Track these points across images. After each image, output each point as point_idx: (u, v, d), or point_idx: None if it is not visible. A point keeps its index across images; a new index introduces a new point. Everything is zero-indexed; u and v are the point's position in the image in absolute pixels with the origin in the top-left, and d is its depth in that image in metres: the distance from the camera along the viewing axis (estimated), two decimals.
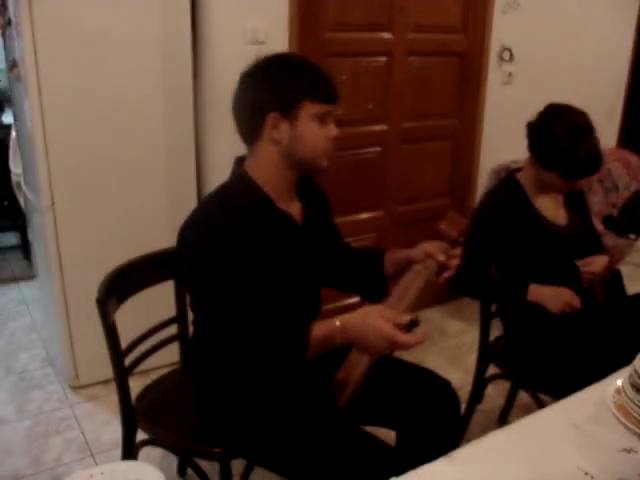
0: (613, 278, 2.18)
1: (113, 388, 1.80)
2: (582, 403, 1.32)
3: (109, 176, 2.49)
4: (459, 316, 3.48)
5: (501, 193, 2.06)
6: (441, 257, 1.52)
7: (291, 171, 1.51)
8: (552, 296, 1.90)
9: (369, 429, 1.51)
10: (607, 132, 3.88)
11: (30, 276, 3.68)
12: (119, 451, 1.78)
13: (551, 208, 2.06)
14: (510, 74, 3.41)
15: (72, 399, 2.63)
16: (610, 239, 3.07)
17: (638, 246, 2.81)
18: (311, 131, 1.45)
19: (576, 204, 2.15)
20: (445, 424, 1.59)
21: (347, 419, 1.49)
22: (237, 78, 1.52)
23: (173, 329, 1.93)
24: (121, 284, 1.71)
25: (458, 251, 1.58)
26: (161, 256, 1.84)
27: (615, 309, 2.11)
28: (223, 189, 1.53)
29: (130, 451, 1.75)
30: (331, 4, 2.79)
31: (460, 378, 2.73)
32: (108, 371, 1.72)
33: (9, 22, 2.41)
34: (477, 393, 2.26)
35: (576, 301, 1.89)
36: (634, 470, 1.11)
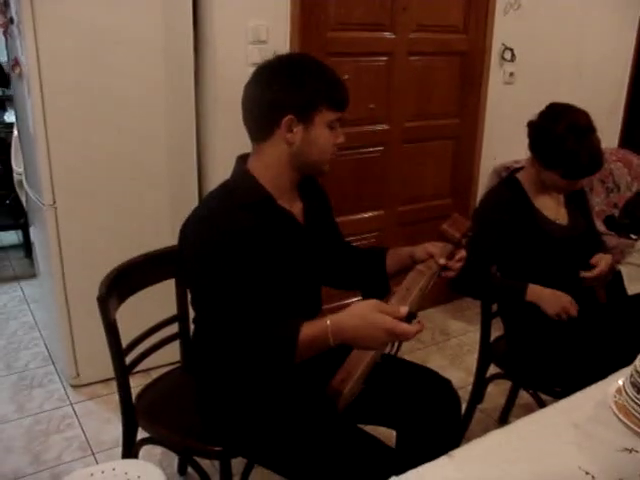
0: (613, 278, 2.19)
1: (114, 387, 1.80)
2: (583, 403, 1.32)
3: (110, 175, 2.49)
4: (460, 316, 3.48)
5: (502, 193, 2.06)
6: (442, 261, 1.52)
7: (296, 172, 1.52)
8: (550, 298, 1.90)
9: (369, 429, 1.51)
10: (608, 132, 3.87)
11: (31, 275, 3.68)
12: (120, 450, 1.78)
13: (552, 207, 2.06)
14: (512, 74, 3.41)
15: (73, 398, 2.63)
16: (611, 239, 3.06)
17: (638, 246, 2.81)
18: (323, 136, 1.47)
19: (577, 203, 2.15)
20: (445, 423, 1.60)
21: (347, 419, 1.48)
22: (240, 77, 1.52)
23: (174, 328, 1.93)
24: (122, 282, 1.71)
25: (462, 253, 1.58)
26: (162, 255, 1.84)
27: (615, 309, 2.11)
28: (225, 187, 1.53)
29: (131, 449, 1.75)
30: (333, 3, 2.79)
31: (461, 378, 2.73)
32: (109, 370, 1.72)
33: (11, 20, 2.41)
34: (478, 393, 2.26)
35: (573, 309, 1.88)
36: (635, 470, 1.11)
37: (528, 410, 1.34)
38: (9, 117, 4.14)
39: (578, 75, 3.70)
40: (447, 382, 1.66)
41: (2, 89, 4.55)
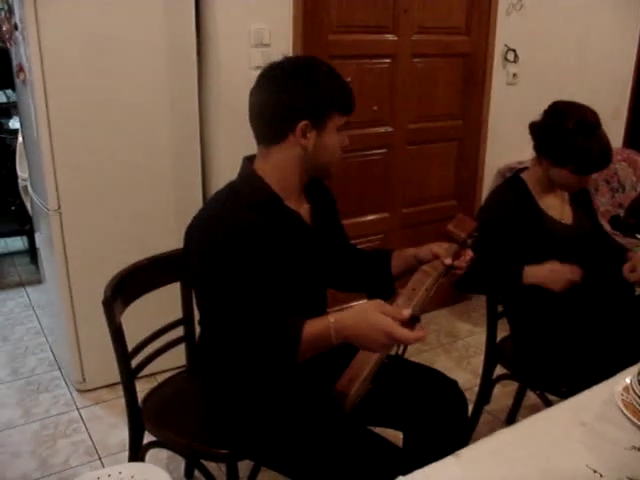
0: (620, 278, 2.17)
1: (120, 391, 1.80)
2: (590, 401, 1.32)
3: (115, 179, 2.50)
4: (467, 318, 3.47)
5: (506, 193, 2.05)
6: (448, 260, 1.52)
7: (304, 174, 1.53)
8: (551, 276, 1.88)
9: (376, 430, 1.50)
10: (613, 132, 3.85)
11: (37, 281, 3.69)
12: (126, 454, 1.79)
13: (557, 207, 2.06)
14: (515, 75, 3.41)
15: (79, 402, 2.63)
16: (617, 239, 3.05)
17: None
18: (333, 141, 1.49)
19: (582, 203, 2.14)
20: (452, 424, 1.59)
21: (354, 420, 1.48)
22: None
23: (179, 331, 1.93)
24: (127, 286, 1.71)
25: (469, 253, 1.57)
26: (167, 258, 1.84)
27: (623, 308, 2.10)
28: (231, 187, 1.53)
29: (137, 453, 1.75)
30: (335, 6, 2.79)
31: (468, 380, 2.72)
32: (115, 374, 1.73)
33: (15, 27, 2.42)
34: (484, 394, 2.26)
35: (575, 274, 1.86)
36: None
37: (535, 411, 1.33)
38: (14, 124, 4.15)
39: (582, 75, 3.70)
40: (453, 383, 1.66)
41: (6, 96, 4.57)
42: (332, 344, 1.33)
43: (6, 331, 3.26)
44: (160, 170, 2.59)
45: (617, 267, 2.05)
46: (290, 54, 2.46)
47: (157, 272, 1.83)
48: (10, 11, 2.46)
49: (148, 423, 1.73)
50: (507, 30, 3.30)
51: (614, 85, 3.99)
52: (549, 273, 1.88)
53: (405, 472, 1.09)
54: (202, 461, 1.77)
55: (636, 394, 1.24)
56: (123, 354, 1.66)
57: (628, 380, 1.31)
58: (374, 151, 3.14)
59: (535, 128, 1.99)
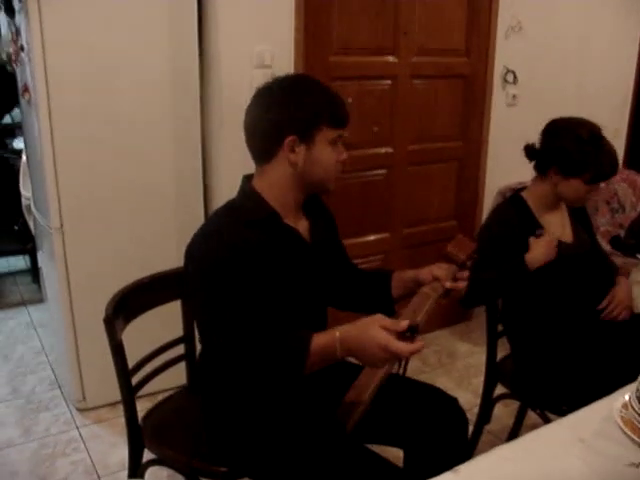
0: None
1: (120, 411, 1.80)
2: (589, 418, 1.32)
3: (117, 198, 2.52)
4: (467, 338, 3.47)
5: (507, 211, 2.07)
6: (448, 284, 1.53)
7: (301, 191, 1.54)
8: (547, 251, 1.95)
9: (377, 449, 1.50)
10: (619, 161, 3.89)
11: (39, 300, 3.70)
12: (126, 473, 1.78)
13: (558, 225, 2.07)
14: (514, 96, 3.44)
15: (79, 421, 2.62)
16: (617, 259, 3.06)
17: None
18: (326, 154, 1.49)
19: (581, 221, 2.16)
20: (452, 442, 1.59)
21: (355, 439, 1.48)
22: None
23: (180, 349, 1.93)
24: (128, 303, 1.72)
25: (466, 274, 1.58)
26: (168, 276, 1.85)
27: (622, 327, 2.10)
28: (231, 204, 1.55)
29: (136, 471, 1.74)
30: (336, 28, 2.83)
31: (469, 400, 2.72)
32: (115, 394, 1.73)
33: (22, 48, 2.46)
34: (485, 413, 2.25)
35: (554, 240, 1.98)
36: None
37: None
38: (18, 144, 4.19)
39: (581, 96, 3.72)
40: (453, 400, 1.66)
41: (11, 117, 4.62)
42: (337, 357, 1.35)
43: (7, 350, 3.25)
44: (162, 189, 2.61)
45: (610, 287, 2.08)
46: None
47: (158, 290, 1.84)
48: (17, 33, 2.50)
49: (148, 440, 1.72)
50: (506, 52, 3.33)
51: (614, 106, 4.02)
52: (545, 250, 1.95)
53: None
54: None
55: (635, 411, 1.24)
56: (124, 371, 1.66)
57: (627, 397, 1.31)
58: (374, 171, 3.16)
59: (546, 141, 2.02)
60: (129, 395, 1.69)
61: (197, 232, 1.50)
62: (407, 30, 3.02)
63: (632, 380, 1.41)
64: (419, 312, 1.47)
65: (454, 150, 3.41)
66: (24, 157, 3.45)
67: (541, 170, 2.04)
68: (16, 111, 4.36)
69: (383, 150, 3.16)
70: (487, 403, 2.23)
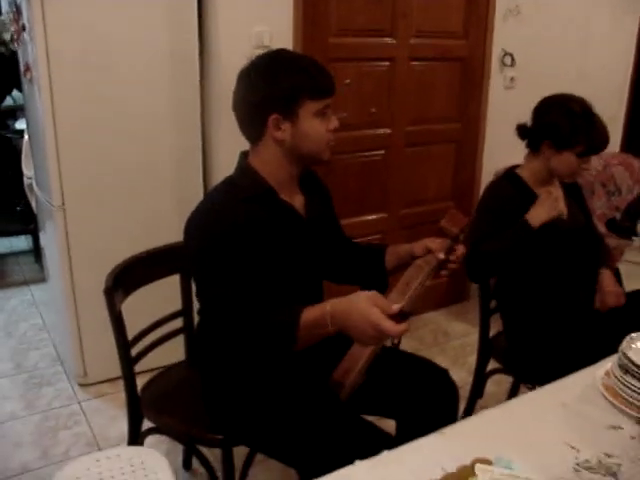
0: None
1: (120, 386, 1.84)
2: (572, 385, 1.36)
3: (118, 177, 2.55)
4: (464, 318, 3.50)
5: (503, 186, 2.10)
6: (441, 255, 1.55)
7: (295, 165, 1.56)
8: (550, 209, 1.98)
9: (371, 419, 1.53)
10: (610, 136, 3.91)
11: (41, 279, 3.74)
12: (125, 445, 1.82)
13: None
14: (512, 79, 3.45)
15: (80, 396, 2.68)
16: (611, 241, 3.10)
17: (636, 245, 2.84)
18: (313, 127, 1.49)
19: (575, 198, 2.19)
20: (443, 412, 1.62)
21: (349, 408, 1.51)
22: None
23: (179, 323, 1.97)
24: (128, 276, 1.76)
25: (461, 249, 1.61)
26: (167, 250, 1.89)
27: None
28: (228, 181, 1.58)
29: (136, 439, 1.79)
30: (335, 10, 2.85)
31: (463, 378, 2.75)
32: (115, 370, 1.77)
33: (23, 28, 2.49)
34: (478, 388, 2.29)
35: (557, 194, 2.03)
36: (620, 445, 1.14)
37: None
38: (20, 125, 4.22)
39: (579, 80, 3.73)
40: (444, 371, 1.70)
41: (13, 99, 4.64)
42: (329, 331, 1.36)
43: (10, 327, 3.31)
44: (162, 167, 2.64)
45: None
46: None
47: (157, 264, 1.88)
48: (18, 12, 2.53)
49: (147, 410, 1.77)
50: (504, 34, 3.35)
51: (611, 90, 4.03)
52: (547, 208, 1.98)
53: None
54: (201, 452, 1.81)
55: (616, 377, 1.28)
56: (123, 342, 1.70)
57: (609, 365, 1.35)
58: (372, 152, 3.18)
59: (538, 117, 2.07)
60: (128, 366, 1.73)
61: (195, 208, 1.53)
62: (405, 12, 3.03)
63: None
64: (412, 285, 1.50)
65: (452, 132, 3.43)
66: (26, 136, 3.48)
67: (534, 146, 2.06)
68: (17, 93, 4.38)
69: (381, 131, 3.18)
70: (480, 377, 2.28)
